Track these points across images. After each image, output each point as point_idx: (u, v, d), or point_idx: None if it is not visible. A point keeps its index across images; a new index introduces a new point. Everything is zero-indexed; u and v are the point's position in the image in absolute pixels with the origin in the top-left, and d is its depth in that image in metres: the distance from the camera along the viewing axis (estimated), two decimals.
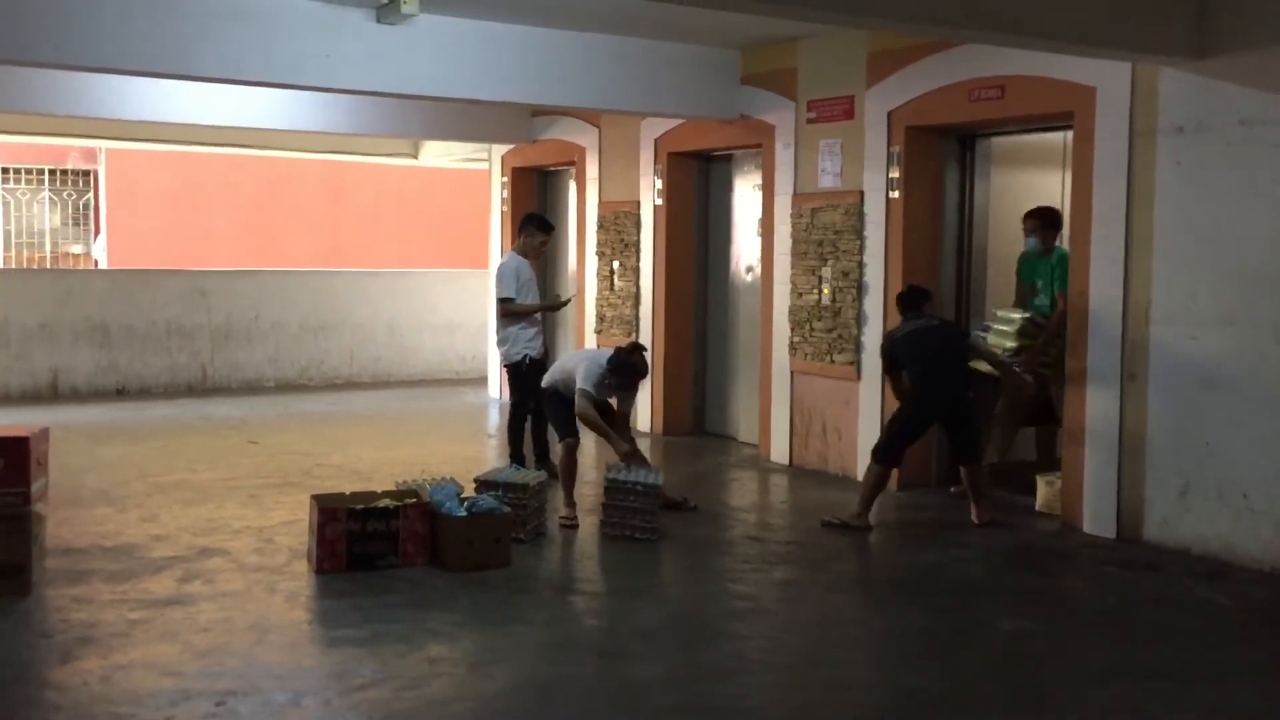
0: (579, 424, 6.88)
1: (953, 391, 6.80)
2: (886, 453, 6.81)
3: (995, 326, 7.18)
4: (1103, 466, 6.59)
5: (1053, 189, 8.13)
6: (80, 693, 4.18)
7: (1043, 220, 7.30)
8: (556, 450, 7.21)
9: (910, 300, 7.02)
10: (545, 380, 7.23)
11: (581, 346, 11.04)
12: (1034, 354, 6.99)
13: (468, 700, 4.22)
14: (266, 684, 4.28)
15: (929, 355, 6.76)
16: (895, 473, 7.72)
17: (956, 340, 6.99)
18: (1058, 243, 7.37)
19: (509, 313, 8.01)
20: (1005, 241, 8.08)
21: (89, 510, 6.97)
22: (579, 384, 6.79)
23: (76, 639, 4.73)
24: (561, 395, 7.01)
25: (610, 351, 6.94)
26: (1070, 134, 6.98)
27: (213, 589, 5.45)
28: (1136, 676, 4.52)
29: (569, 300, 9.62)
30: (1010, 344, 7.03)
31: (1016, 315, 7.13)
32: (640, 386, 7.12)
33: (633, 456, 6.84)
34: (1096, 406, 6.62)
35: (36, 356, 12.04)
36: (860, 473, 8.06)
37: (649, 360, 7.11)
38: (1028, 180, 8.19)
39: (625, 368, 6.81)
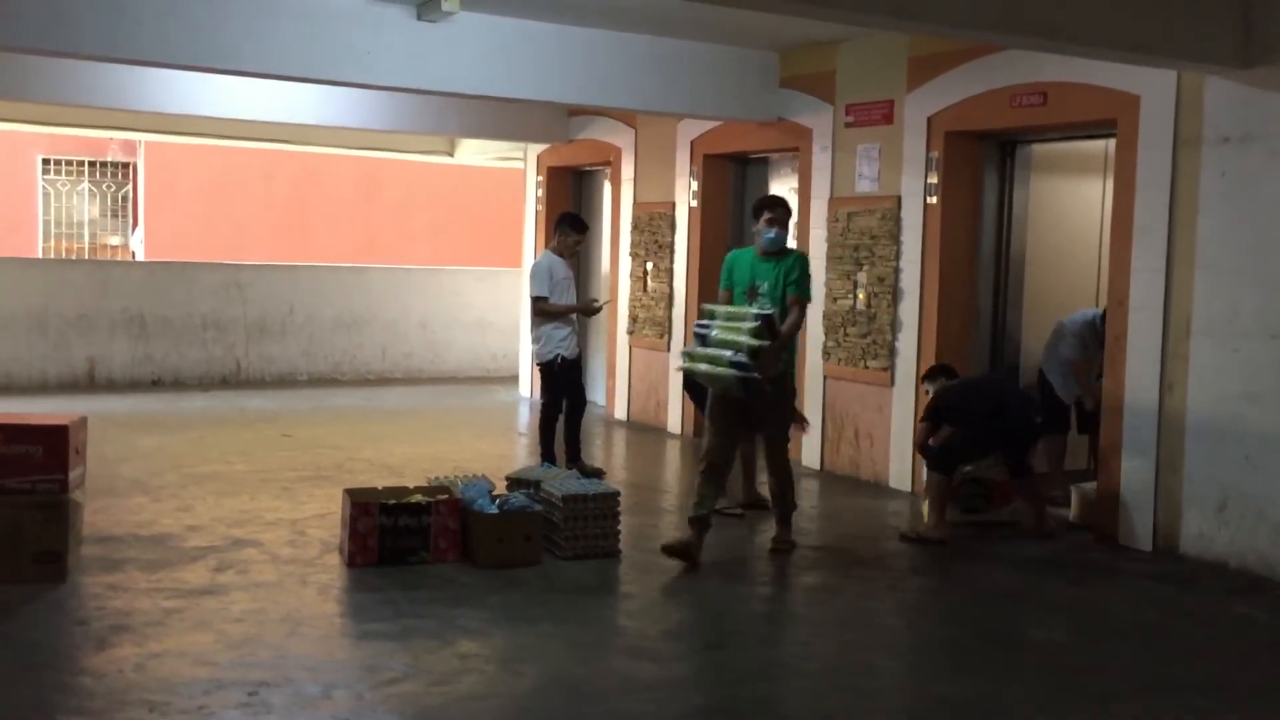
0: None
1: (1018, 424, 6.77)
2: (948, 463, 6.69)
3: (721, 324, 6.06)
4: (1140, 478, 6.53)
5: (1094, 197, 8.07)
6: (115, 680, 4.22)
7: (785, 212, 6.28)
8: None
9: (941, 372, 7.12)
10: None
11: (614, 347, 11.06)
12: (768, 361, 5.90)
13: (498, 697, 4.22)
14: (299, 675, 4.30)
15: (999, 391, 6.88)
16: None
17: (1012, 384, 7.29)
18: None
19: (542, 312, 8.02)
20: (1046, 249, 8.03)
21: (125, 499, 7.03)
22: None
23: (111, 626, 4.77)
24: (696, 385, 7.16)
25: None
26: (1113, 142, 6.90)
27: (246, 580, 5.48)
28: (1171, 692, 4.46)
29: (602, 306, 9.59)
30: (745, 343, 5.87)
31: (749, 311, 6.04)
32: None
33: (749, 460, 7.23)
34: (1134, 417, 6.55)
35: (74, 346, 12.16)
36: (892, 479, 8.04)
37: None
38: (1068, 188, 8.12)
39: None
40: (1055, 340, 7.49)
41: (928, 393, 7.15)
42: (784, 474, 6.28)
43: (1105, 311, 7.02)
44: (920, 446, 6.94)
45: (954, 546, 6.53)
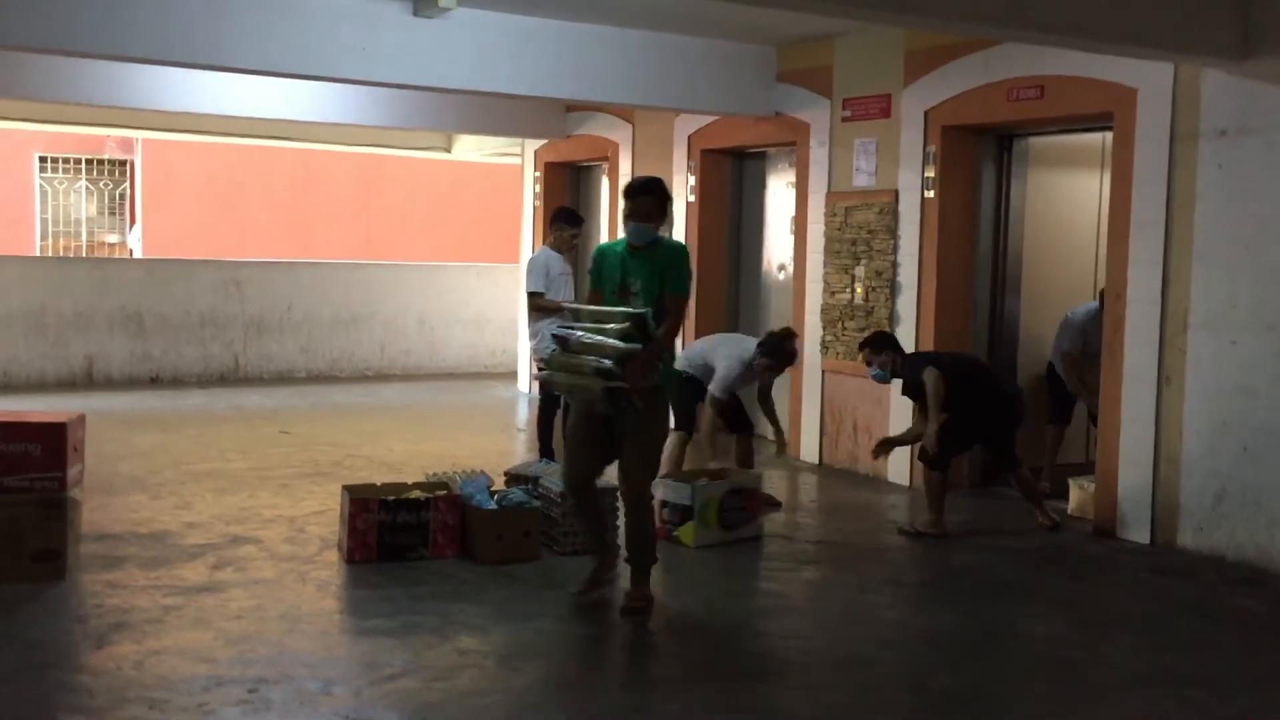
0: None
1: (992, 407, 6.69)
2: (938, 460, 6.65)
3: (586, 325, 5.16)
4: (1138, 471, 6.53)
5: (1091, 190, 8.06)
6: (114, 677, 4.22)
7: (653, 199, 5.18)
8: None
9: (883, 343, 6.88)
10: (680, 364, 7.26)
11: None
12: (638, 370, 4.88)
13: (498, 693, 4.23)
14: (298, 672, 4.30)
15: (966, 376, 6.68)
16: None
17: (981, 367, 7.05)
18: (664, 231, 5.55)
19: (537, 307, 8.02)
20: (1043, 243, 8.03)
21: (123, 497, 7.03)
22: (712, 388, 7.07)
23: (111, 624, 4.77)
24: (698, 384, 7.21)
25: (748, 340, 7.21)
26: (1110, 135, 6.91)
27: (245, 577, 5.49)
28: (1169, 684, 4.47)
29: None
30: (613, 347, 4.95)
31: (618, 311, 5.07)
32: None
33: (720, 473, 6.70)
34: (1132, 410, 6.56)
35: (72, 344, 12.15)
36: (890, 473, 8.04)
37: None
38: (1066, 182, 8.12)
39: (782, 353, 7.04)
40: (1060, 331, 7.52)
41: (868, 364, 6.80)
42: (643, 517, 5.15)
43: (1102, 298, 7.02)
44: (929, 455, 6.63)
45: (952, 539, 6.53)
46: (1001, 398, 6.75)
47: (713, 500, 6.32)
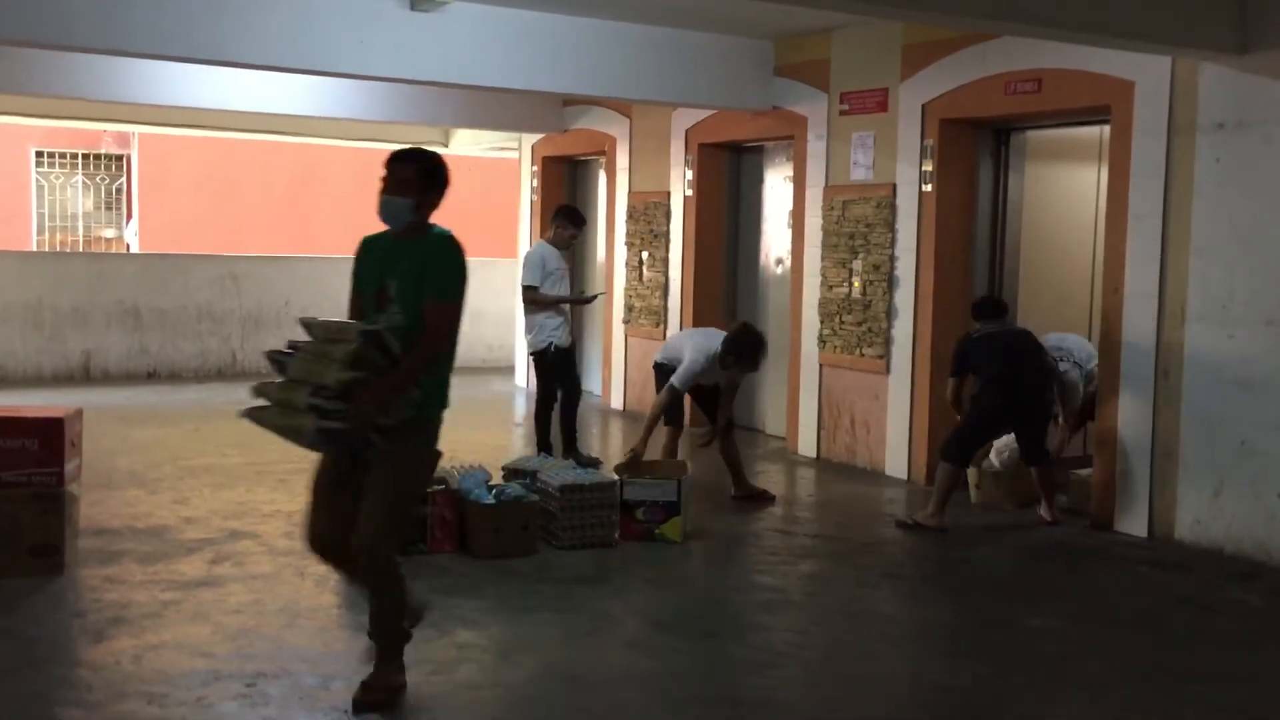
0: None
1: (1031, 396, 6.66)
2: (961, 452, 6.67)
3: (312, 344, 3.95)
4: (1135, 465, 6.53)
5: (1089, 184, 8.07)
6: (113, 672, 4.22)
7: (418, 167, 4.08)
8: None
9: (987, 309, 6.82)
10: (661, 357, 7.30)
11: (609, 337, 11.05)
12: (368, 407, 3.77)
13: (496, 687, 4.23)
14: (296, 667, 4.30)
15: (1009, 358, 6.60)
16: (925, 468, 7.71)
17: (1035, 348, 6.79)
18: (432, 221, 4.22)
19: (533, 301, 8.02)
20: (1041, 237, 8.03)
21: (121, 492, 7.03)
22: (673, 378, 6.94)
23: (109, 619, 4.77)
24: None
25: (718, 335, 7.06)
26: (1108, 129, 6.90)
27: (243, 571, 5.49)
28: (1167, 678, 4.48)
29: (596, 297, 9.61)
30: (332, 378, 3.77)
31: (354, 327, 3.90)
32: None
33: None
34: (1129, 404, 6.56)
35: (69, 339, 12.14)
36: (888, 466, 8.05)
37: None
38: (1063, 175, 8.12)
39: (750, 349, 6.90)
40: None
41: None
42: (381, 586, 4.00)
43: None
44: (952, 401, 6.79)
45: (950, 533, 6.54)
46: (1041, 393, 6.72)
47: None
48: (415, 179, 4.01)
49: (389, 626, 4.05)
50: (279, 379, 3.94)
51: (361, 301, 4.09)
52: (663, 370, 7.18)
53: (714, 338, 7.09)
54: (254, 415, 3.98)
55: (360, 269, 4.13)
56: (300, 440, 3.91)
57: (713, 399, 7.23)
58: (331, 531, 3.99)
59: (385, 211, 4.02)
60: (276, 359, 3.96)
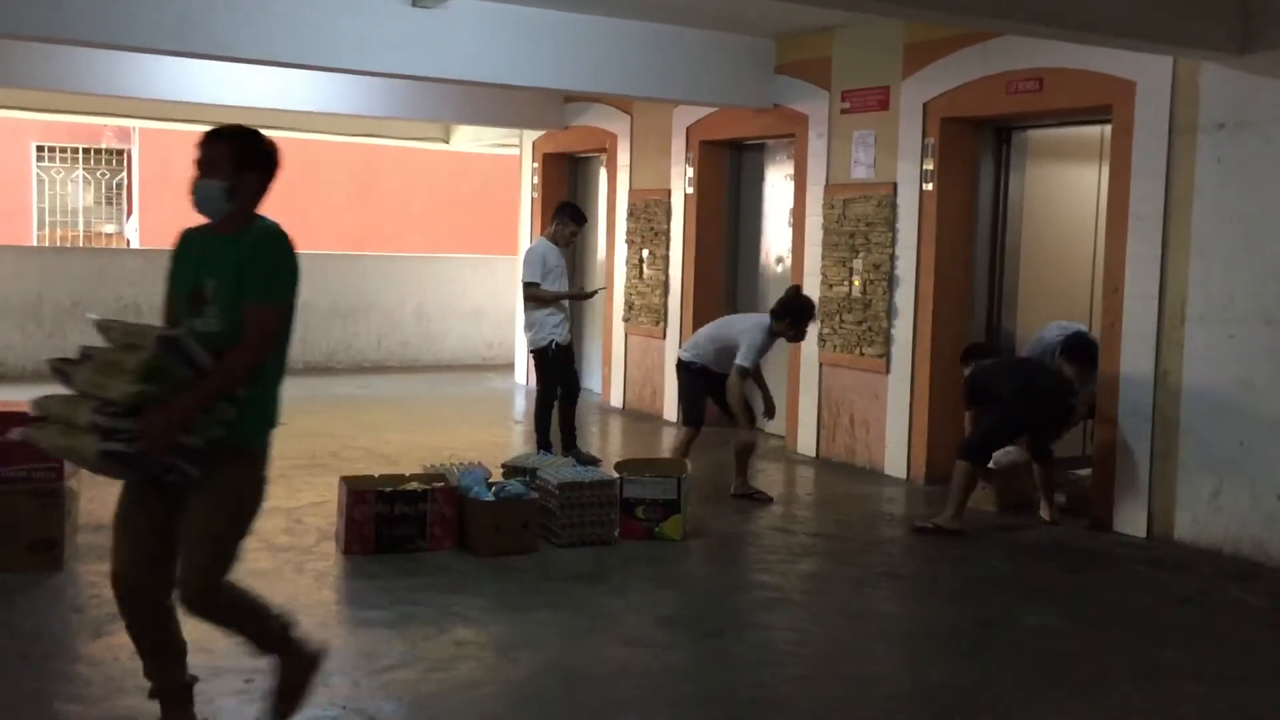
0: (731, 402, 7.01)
1: (1054, 400, 6.70)
2: (982, 451, 6.63)
3: (105, 351, 3.41)
4: (1134, 464, 6.54)
5: (1089, 183, 8.06)
6: (111, 667, 4.22)
7: (236, 145, 3.56)
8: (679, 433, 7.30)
9: (982, 351, 7.14)
10: (688, 355, 7.24)
11: (609, 335, 11.05)
12: (161, 425, 3.23)
13: (495, 684, 4.23)
14: None
15: (1026, 374, 6.76)
16: (925, 468, 7.71)
17: (1046, 368, 7.01)
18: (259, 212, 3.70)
19: (533, 298, 8.02)
20: (1041, 236, 8.03)
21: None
22: (740, 360, 6.91)
23: (108, 614, 4.75)
24: (710, 374, 7.13)
25: (761, 318, 7.11)
26: (1108, 128, 6.90)
27: (242, 568, 5.40)
28: (1166, 677, 4.48)
29: (596, 292, 9.61)
30: (122, 390, 3.23)
31: (152, 332, 3.42)
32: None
33: (749, 449, 7.07)
34: (1129, 404, 6.56)
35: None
36: (888, 466, 8.05)
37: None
38: (1064, 174, 8.12)
39: (801, 310, 6.99)
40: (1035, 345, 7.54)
41: (965, 374, 6.96)
42: (238, 611, 3.59)
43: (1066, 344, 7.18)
44: (965, 445, 6.70)
45: (951, 532, 6.53)
46: (1057, 403, 6.74)
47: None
48: (227, 160, 3.47)
49: (265, 637, 3.60)
50: (65, 392, 3.37)
51: (176, 304, 3.56)
52: (688, 369, 7.19)
53: (751, 318, 7.26)
54: (31, 435, 3.41)
55: (175, 267, 3.58)
56: (85, 465, 3.37)
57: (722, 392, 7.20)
58: (140, 575, 3.43)
59: (195, 197, 3.51)
60: (61, 369, 3.37)
